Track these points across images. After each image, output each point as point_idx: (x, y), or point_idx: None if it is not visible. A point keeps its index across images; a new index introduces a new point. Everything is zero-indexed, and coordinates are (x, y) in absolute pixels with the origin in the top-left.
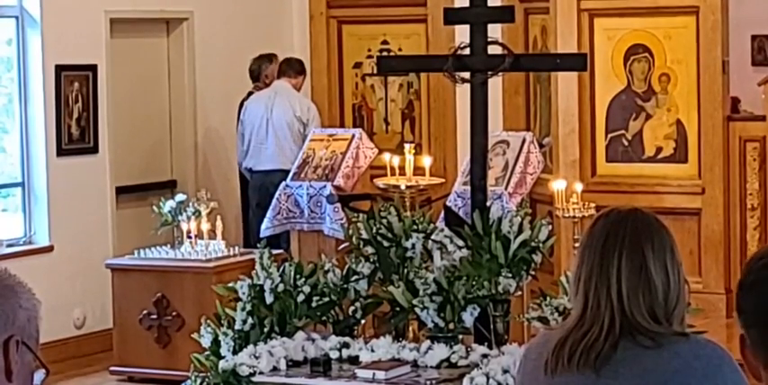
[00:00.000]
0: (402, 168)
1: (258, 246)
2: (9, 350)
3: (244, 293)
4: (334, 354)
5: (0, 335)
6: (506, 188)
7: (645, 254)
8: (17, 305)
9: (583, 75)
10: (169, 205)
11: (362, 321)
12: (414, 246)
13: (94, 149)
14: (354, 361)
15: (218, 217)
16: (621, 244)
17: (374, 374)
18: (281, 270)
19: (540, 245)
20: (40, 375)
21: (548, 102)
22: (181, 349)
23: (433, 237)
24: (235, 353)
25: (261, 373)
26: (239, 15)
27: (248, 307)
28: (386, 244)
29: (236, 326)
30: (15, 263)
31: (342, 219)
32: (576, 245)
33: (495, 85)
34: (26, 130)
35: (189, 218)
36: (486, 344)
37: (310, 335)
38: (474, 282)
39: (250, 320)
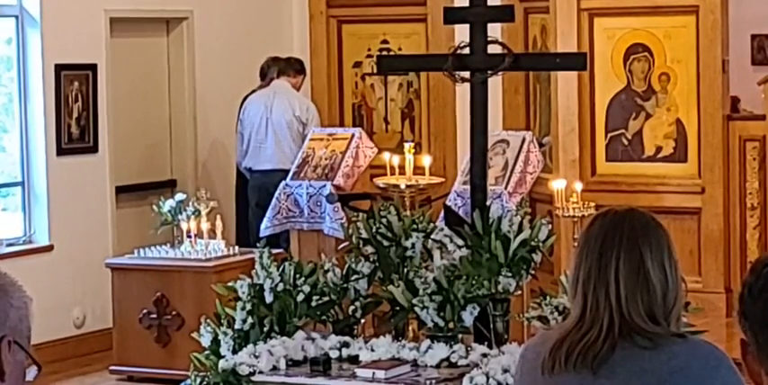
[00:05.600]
0: (402, 167)
1: (258, 245)
2: (1, 350)
3: (243, 293)
4: (333, 354)
5: None
6: (506, 187)
7: (643, 254)
8: (8, 305)
9: (582, 74)
10: (169, 204)
11: (362, 320)
12: (413, 245)
13: (94, 149)
14: (354, 360)
15: (218, 216)
16: (619, 245)
17: (374, 373)
18: (280, 269)
19: (540, 244)
20: (32, 372)
21: (547, 101)
22: (180, 348)
23: (432, 236)
24: (234, 352)
25: (260, 373)
26: (239, 14)
27: (248, 306)
28: (386, 243)
29: (236, 326)
30: (15, 262)
31: (341, 219)
32: (576, 244)
33: (495, 84)
34: (26, 130)
35: (189, 217)
36: (485, 343)
37: (310, 334)
38: (474, 282)
39: (250, 320)
